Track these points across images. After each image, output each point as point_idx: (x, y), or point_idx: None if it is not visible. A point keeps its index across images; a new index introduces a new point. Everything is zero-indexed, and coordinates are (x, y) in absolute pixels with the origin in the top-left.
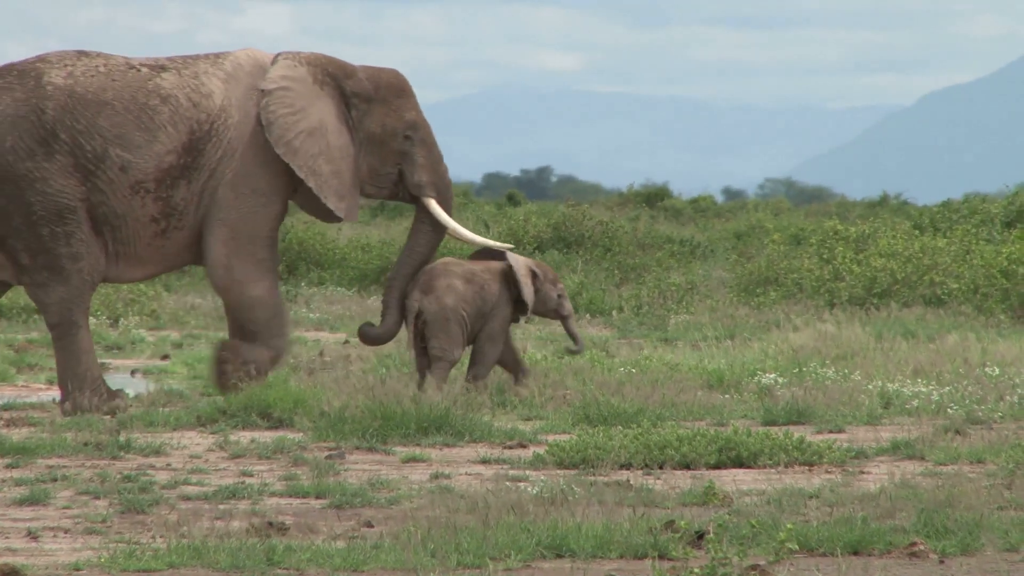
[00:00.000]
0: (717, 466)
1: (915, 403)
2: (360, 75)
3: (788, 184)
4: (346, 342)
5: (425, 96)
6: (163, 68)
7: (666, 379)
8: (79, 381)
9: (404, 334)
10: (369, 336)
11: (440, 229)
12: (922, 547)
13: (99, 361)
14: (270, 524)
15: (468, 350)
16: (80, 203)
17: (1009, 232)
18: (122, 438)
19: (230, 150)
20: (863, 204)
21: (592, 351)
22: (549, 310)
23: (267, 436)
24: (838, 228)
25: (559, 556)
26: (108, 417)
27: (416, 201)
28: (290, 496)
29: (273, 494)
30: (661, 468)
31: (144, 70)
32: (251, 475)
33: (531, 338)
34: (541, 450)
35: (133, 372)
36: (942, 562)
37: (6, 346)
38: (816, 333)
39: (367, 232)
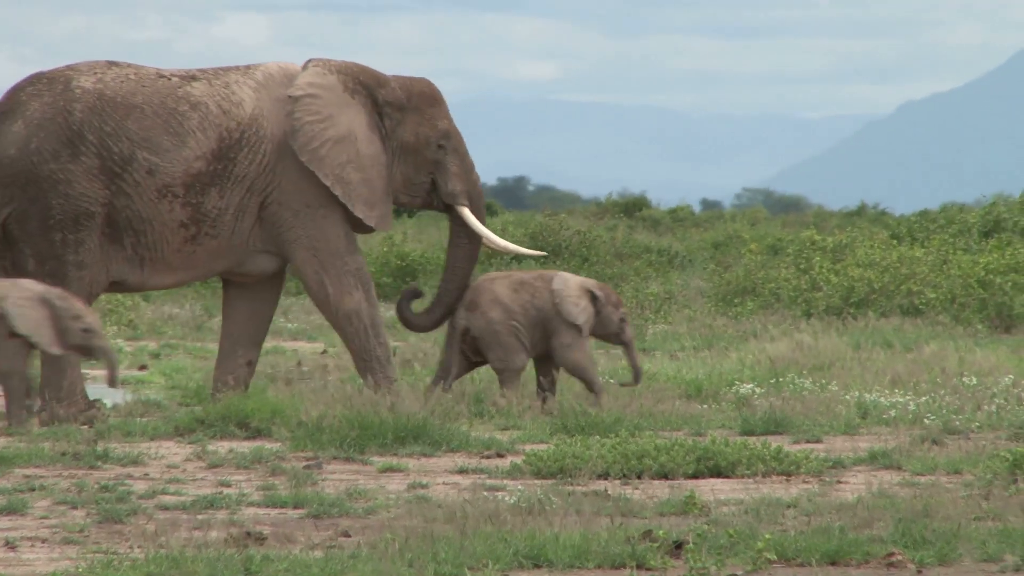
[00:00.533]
0: (695, 476)
1: (892, 413)
2: (393, 84)
3: (765, 194)
4: (324, 352)
5: None
6: (193, 78)
7: (644, 389)
8: (58, 392)
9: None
10: (409, 321)
11: (476, 239)
12: (899, 557)
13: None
14: (248, 534)
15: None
16: (100, 208)
17: (986, 242)
18: (100, 448)
19: (266, 165)
20: (840, 214)
21: None
22: (610, 334)
23: (245, 446)
24: (815, 238)
25: (537, 566)
26: (86, 427)
27: (449, 210)
28: (268, 506)
29: (251, 504)
30: (639, 478)
31: (174, 79)
32: (229, 485)
33: None
34: (519, 460)
35: None
36: (919, 572)
37: None
38: (793, 343)
39: None
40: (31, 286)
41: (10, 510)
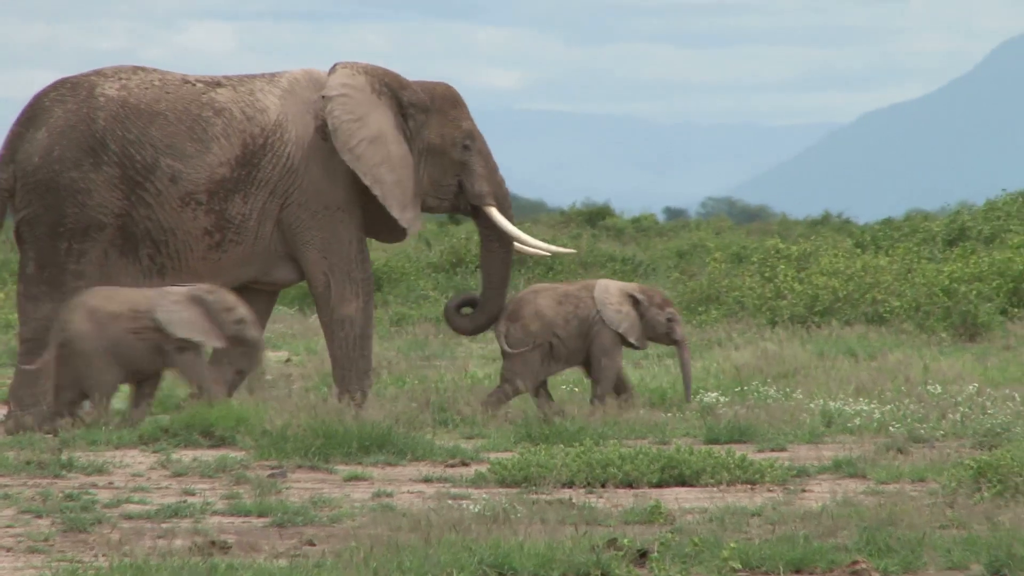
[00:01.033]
0: (659, 484)
1: (857, 421)
2: (415, 87)
3: (729, 203)
4: (288, 360)
5: None
6: (219, 84)
7: (608, 397)
8: (20, 401)
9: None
10: (454, 322)
11: (507, 240)
12: (864, 565)
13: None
14: (212, 543)
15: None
16: (113, 220)
17: (951, 250)
18: (64, 457)
19: (290, 167)
20: (805, 223)
21: None
22: (659, 335)
23: (209, 455)
24: (780, 246)
25: (501, 574)
26: (50, 436)
27: (476, 212)
28: (232, 514)
29: (215, 512)
30: (603, 486)
31: (199, 85)
32: (193, 494)
33: (473, 356)
34: (483, 468)
35: None
36: None
37: None
38: (758, 351)
39: None
40: (176, 289)
41: None
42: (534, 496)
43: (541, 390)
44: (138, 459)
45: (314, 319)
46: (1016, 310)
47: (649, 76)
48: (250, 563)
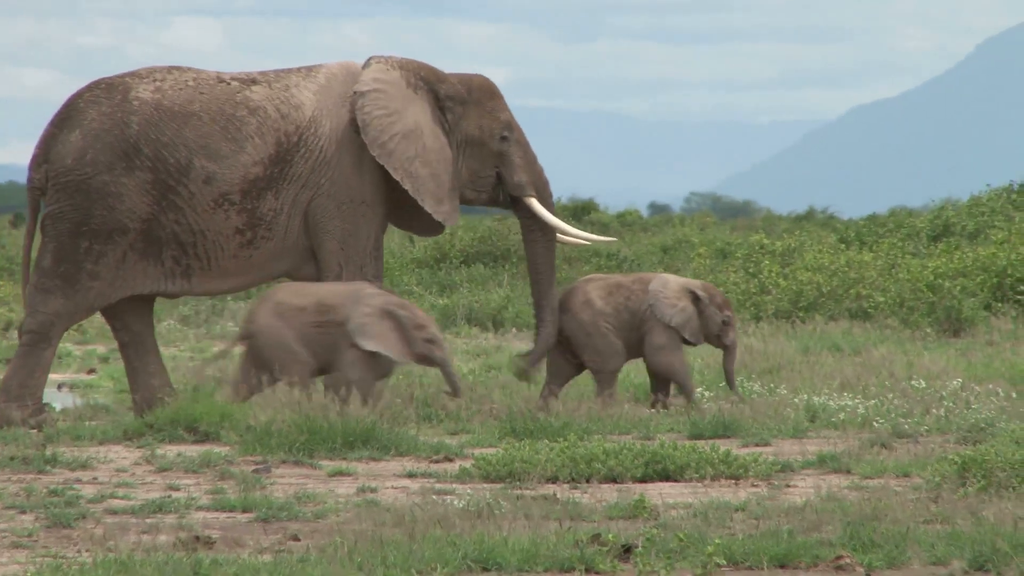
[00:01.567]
0: (644, 480)
1: (841, 416)
2: (452, 79)
3: (714, 199)
4: None
5: None
6: (254, 81)
7: (592, 393)
8: (8, 392)
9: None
10: (532, 362)
11: (549, 230)
12: (848, 560)
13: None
14: (197, 538)
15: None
16: (138, 224)
17: (935, 246)
18: (48, 452)
19: (323, 160)
20: (789, 218)
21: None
22: (712, 335)
23: (194, 450)
24: (764, 242)
25: (486, 570)
26: (34, 431)
27: (516, 203)
28: (217, 510)
29: (200, 508)
30: (588, 481)
31: (234, 83)
32: (178, 489)
33: (457, 352)
34: (467, 464)
35: (60, 386)
36: (868, 575)
37: None
38: (742, 347)
39: None
40: (372, 298)
41: None
42: (518, 491)
43: (555, 386)
44: (122, 454)
45: None
46: (1000, 305)
47: (634, 73)
48: (234, 558)
